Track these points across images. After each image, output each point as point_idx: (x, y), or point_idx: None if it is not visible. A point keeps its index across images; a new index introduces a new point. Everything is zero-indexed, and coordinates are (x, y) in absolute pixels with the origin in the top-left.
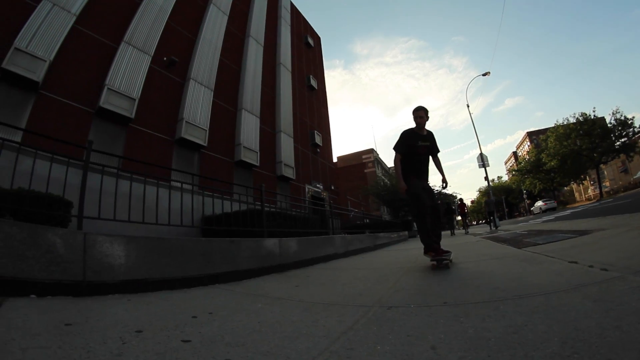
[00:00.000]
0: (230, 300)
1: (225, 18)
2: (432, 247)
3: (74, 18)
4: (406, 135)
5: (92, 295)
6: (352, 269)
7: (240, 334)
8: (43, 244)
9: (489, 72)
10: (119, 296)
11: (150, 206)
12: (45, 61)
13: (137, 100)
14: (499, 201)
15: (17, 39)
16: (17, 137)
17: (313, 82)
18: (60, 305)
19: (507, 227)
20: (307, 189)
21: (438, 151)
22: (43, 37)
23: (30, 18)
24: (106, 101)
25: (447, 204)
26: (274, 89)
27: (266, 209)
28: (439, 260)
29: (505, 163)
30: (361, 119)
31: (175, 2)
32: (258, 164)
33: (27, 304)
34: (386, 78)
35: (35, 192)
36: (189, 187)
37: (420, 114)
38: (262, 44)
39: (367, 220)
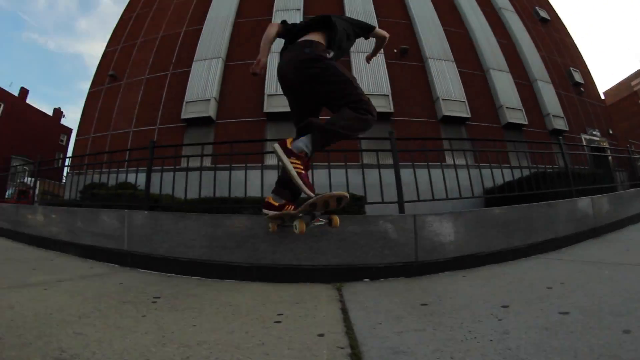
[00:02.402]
0: (571, 270)
1: None
2: None
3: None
4: None
5: (423, 275)
6: None
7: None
8: (376, 231)
9: None
10: (449, 273)
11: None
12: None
13: (389, 96)
14: None
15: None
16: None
17: (542, 13)
18: (400, 286)
19: None
20: (582, 139)
21: None
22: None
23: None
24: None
25: None
26: (507, 37)
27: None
28: None
29: None
30: (614, 31)
31: None
32: (526, 122)
33: (367, 287)
34: None
35: None
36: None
37: None
38: None
39: None
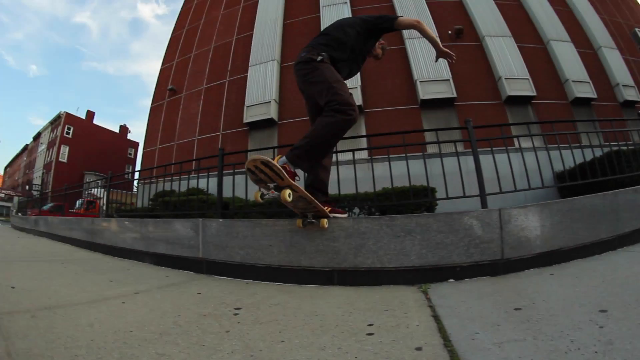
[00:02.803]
0: None
1: None
2: None
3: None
4: None
5: (508, 273)
6: None
7: None
8: (460, 228)
9: None
10: (536, 271)
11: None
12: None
13: (450, 80)
14: None
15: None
16: None
17: None
18: (487, 287)
19: None
20: None
21: None
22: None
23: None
24: (425, 92)
25: None
26: (563, 3)
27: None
28: None
29: None
30: None
31: None
32: (595, 96)
33: (454, 289)
34: None
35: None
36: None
37: None
38: None
39: None
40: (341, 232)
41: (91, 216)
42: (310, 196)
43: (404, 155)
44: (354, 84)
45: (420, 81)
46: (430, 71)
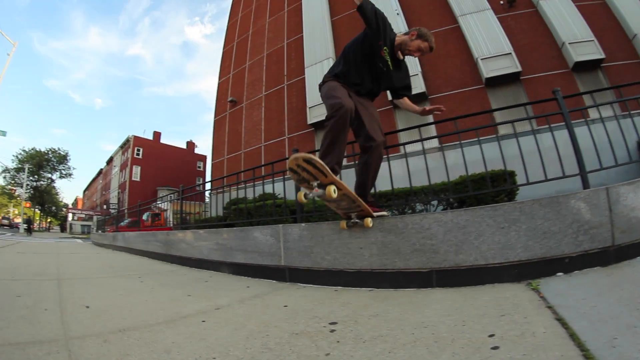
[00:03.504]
0: None
1: None
2: None
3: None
4: None
5: (620, 262)
6: None
7: None
8: (567, 214)
9: None
10: None
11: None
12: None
13: (512, 54)
14: None
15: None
16: None
17: None
18: (602, 279)
19: None
20: None
21: None
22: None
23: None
24: (489, 70)
25: None
26: None
27: None
28: None
29: None
30: None
31: None
32: None
33: (566, 284)
34: None
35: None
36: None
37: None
38: None
39: None
40: (439, 227)
41: (158, 229)
42: (354, 194)
43: (475, 139)
44: (414, 70)
45: (481, 59)
46: (489, 47)
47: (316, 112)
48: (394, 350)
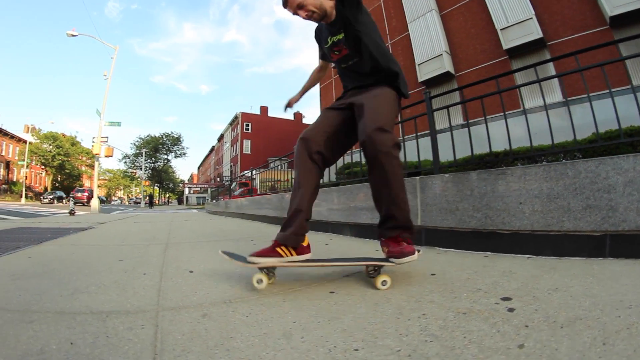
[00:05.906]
0: None
1: None
2: None
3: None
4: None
5: None
6: None
7: None
8: None
9: None
10: None
11: None
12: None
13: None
14: None
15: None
16: None
17: None
18: None
19: None
20: None
21: None
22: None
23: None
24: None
25: None
26: None
27: None
28: None
29: None
30: None
31: None
32: None
33: None
34: None
35: None
36: None
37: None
38: None
39: None
40: (618, 177)
41: (246, 196)
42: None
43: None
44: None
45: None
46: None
47: (426, 68)
48: (608, 340)
